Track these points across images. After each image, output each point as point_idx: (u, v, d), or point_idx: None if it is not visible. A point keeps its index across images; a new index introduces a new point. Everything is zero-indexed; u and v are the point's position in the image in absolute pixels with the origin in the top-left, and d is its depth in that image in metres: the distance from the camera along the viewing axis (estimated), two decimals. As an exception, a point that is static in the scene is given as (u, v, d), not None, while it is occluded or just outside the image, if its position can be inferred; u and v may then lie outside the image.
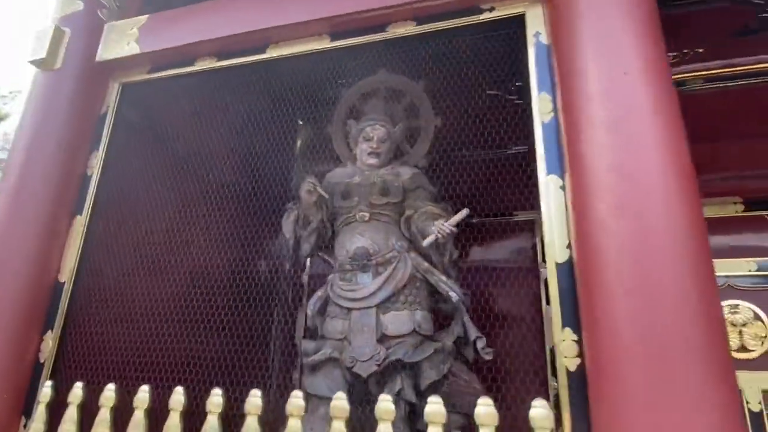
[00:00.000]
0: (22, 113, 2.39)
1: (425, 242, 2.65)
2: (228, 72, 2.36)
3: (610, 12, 1.67)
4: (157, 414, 1.73)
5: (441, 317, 2.81)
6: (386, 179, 2.99)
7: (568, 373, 1.51)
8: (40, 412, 1.90)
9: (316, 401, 2.60)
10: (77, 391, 1.86)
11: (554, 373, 1.55)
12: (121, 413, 1.76)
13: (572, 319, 1.55)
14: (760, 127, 3.46)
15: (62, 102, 2.38)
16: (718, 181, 3.72)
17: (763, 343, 3.36)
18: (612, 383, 1.35)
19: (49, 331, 2.11)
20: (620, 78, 1.54)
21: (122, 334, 2.27)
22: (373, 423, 2.45)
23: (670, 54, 2.50)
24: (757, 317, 3.41)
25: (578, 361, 1.51)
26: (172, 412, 1.71)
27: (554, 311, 1.57)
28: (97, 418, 1.79)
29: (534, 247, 3.88)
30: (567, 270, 1.59)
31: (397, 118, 3.24)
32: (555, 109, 1.78)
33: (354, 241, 2.82)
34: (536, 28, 1.93)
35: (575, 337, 1.54)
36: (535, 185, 1.76)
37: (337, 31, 2.21)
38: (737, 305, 3.47)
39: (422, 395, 2.49)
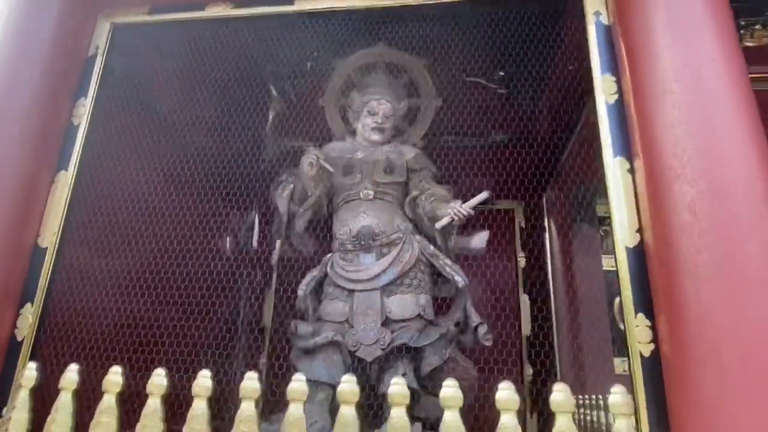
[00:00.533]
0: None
1: (439, 224, 2.55)
2: (245, 24, 2.10)
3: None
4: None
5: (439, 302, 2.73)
6: (390, 157, 2.85)
7: (642, 358, 1.48)
8: (22, 399, 1.59)
9: (313, 387, 2.42)
10: (71, 375, 1.58)
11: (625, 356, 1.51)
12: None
13: (645, 304, 1.51)
14: None
15: (41, 38, 2.01)
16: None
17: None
18: (702, 369, 1.32)
19: (28, 305, 1.78)
20: (706, 64, 1.51)
21: (110, 308, 1.97)
22: (377, 409, 2.36)
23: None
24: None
25: (652, 346, 1.48)
26: (150, 397, 1.51)
27: (625, 297, 1.53)
28: (101, 406, 1.53)
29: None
30: (638, 255, 1.55)
31: (400, 94, 3.10)
32: (619, 91, 1.74)
33: (358, 219, 2.66)
34: (596, 7, 1.87)
35: (648, 323, 1.50)
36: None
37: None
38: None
39: (423, 381, 2.42)
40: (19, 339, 1.74)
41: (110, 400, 1.54)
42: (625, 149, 1.67)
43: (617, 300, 3.75)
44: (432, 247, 2.67)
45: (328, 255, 2.72)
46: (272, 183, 3.01)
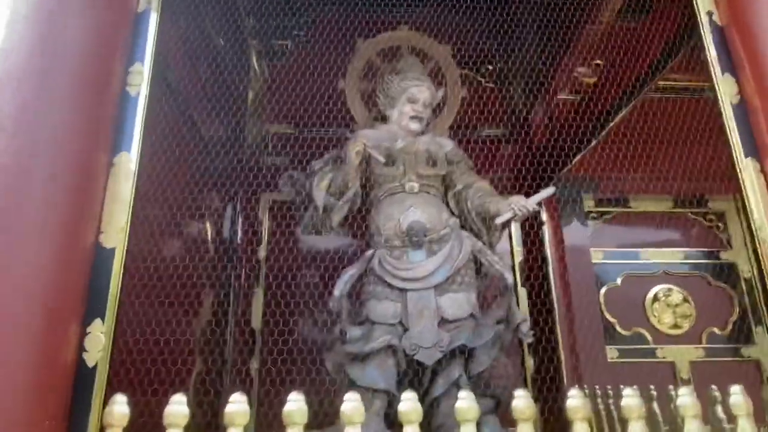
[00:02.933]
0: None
1: (500, 219, 2.44)
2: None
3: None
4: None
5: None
6: (430, 149, 2.69)
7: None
8: (114, 444, 1.22)
9: (368, 395, 2.24)
10: (119, 408, 1.20)
11: None
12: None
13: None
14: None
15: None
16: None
17: (689, 321, 3.88)
18: None
19: (98, 321, 1.39)
20: None
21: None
22: (427, 412, 2.22)
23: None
24: (685, 299, 3.92)
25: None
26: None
27: (775, 296, 1.53)
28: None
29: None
30: (781, 256, 1.56)
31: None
32: (741, 92, 1.74)
33: (408, 214, 2.47)
34: (707, 7, 1.86)
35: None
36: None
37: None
38: (671, 289, 3.95)
39: (472, 381, 2.33)
40: (91, 364, 1.34)
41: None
42: (755, 150, 1.67)
43: (603, 290, 3.94)
44: (479, 243, 2.56)
45: (369, 251, 2.50)
46: (283, 175, 2.73)
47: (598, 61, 3.46)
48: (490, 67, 4.25)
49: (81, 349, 1.35)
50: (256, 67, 3.94)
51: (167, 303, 2.11)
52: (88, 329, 1.37)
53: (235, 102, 3.62)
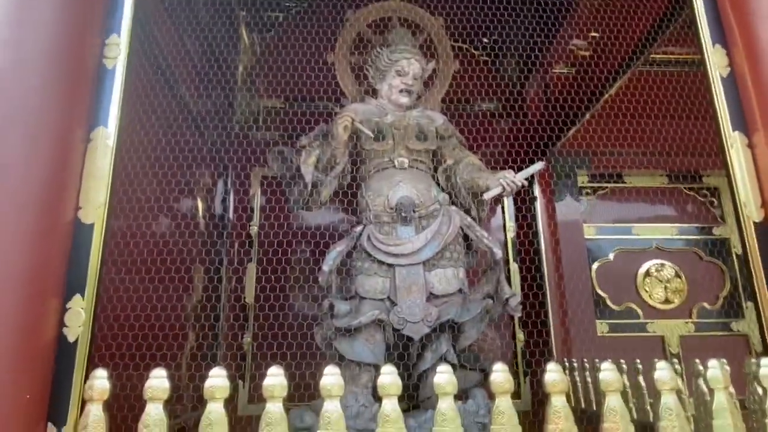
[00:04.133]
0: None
1: (488, 194, 2.43)
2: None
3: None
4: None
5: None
6: (420, 123, 2.66)
7: (778, 331, 1.49)
8: (95, 417, 1.24)
9: (356, 369, 2.27)
10: (100, 383, 1.23)
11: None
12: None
13: (777, 280, 1.52)
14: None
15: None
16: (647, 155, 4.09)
17: (680, 296, 3.90)
18: None
19: (78, 296, 1.39)
20: None
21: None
22: (416, 386, 2.25)
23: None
24: (677, 275, 3.93)
25: (787, 320, 1.51)
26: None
27: (757, 272, 1.53)
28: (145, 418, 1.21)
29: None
30: (765, 229, 1.56)
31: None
32: (731, 63, 1.71)
33: (397, 189, 2.46)
34: (700, -24, 1.81)
35: (783, 299, 1.52)
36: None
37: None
38: (663, 264, 3.96)
39: (459, 355, 2.36)
40: (71, 339, 1.35)
41: (158, 411, 1.22)
42: (743, 123, 1.65)
43: (595, 265, 3.95)
44: (469, 219, 2.55)
45: (358, 227, 2.50)
46: (271, 151, 2.70)
47: (594, 34, 3.39)
48: (485, 40, 4.17)
49: (61, 324, 1.35)
50: (246, 40, 3.87)
51: (157, 278, 2.12)
52: (68, 305, 1.37)
53: (224, 75, 3.56)
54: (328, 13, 2.89)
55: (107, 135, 1.50)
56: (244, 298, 3.53)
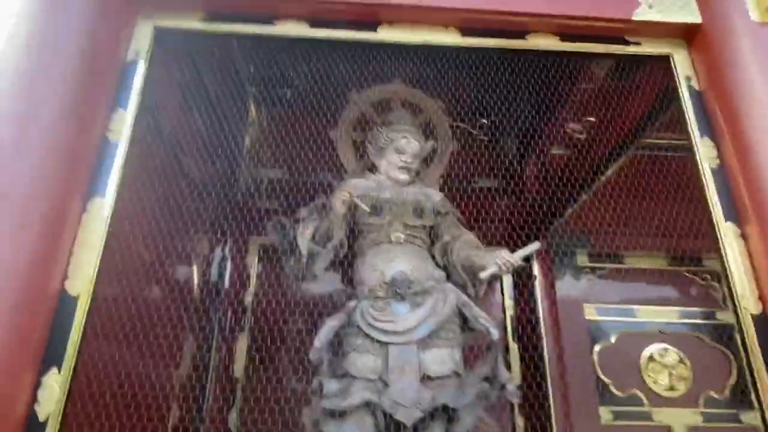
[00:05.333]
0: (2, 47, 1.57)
1: (484, 274, 2.40)
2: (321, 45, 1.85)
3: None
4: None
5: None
6: (418, 199, 2.69)
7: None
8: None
9: (345, 455, 2.15)
10: None
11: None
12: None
13: (778, 374, 1.47)
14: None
15: (68, 37, 1.62)
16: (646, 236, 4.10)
17: (686, 383, 3.76)
18: None
19: (54, 370, 1.35)
20: None
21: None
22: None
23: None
24: (681, 360, 3.82)
25: (791, 420, 1.44)
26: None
27: (758, 367, 1.48)
28: None
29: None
30: (764, 322, 1.52)
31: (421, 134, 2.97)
32: (720, 155, 1.75)
33: (392, 265, 2.44)
34: (686, 72, 1.89)
35: (783, 393, 1.46)
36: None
37: (467, 26, 1.90)
38: (666, 349, 3.85)
39: None
40: (42, 418, 1.29)
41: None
42: (734, 214, 1.66)
43: (597, 347, 3.85)
44: (464, 297, 2.52)
45: (353, 302, 2.46)
46: (271, 221, 2.73)
47: (590, 118, 3.50)
48: (485, 121, 4.30)
49: (33, 400, 1.31)
50: (254, 114, 4.01)
51: (144, 349, 2.06)
52: (43, 378, 1.33)
53: (230, 147, 3.67)
54: (333, 92, 3.01)
55: (103, 205, 1.52)
56: (233, 371, 3.43)
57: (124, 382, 1.67)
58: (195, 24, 1.81)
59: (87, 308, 1.40)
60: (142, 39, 1.76)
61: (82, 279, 1.42)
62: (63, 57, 1.59)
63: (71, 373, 1.34)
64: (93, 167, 1.57)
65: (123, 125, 1.63)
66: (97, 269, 1.45)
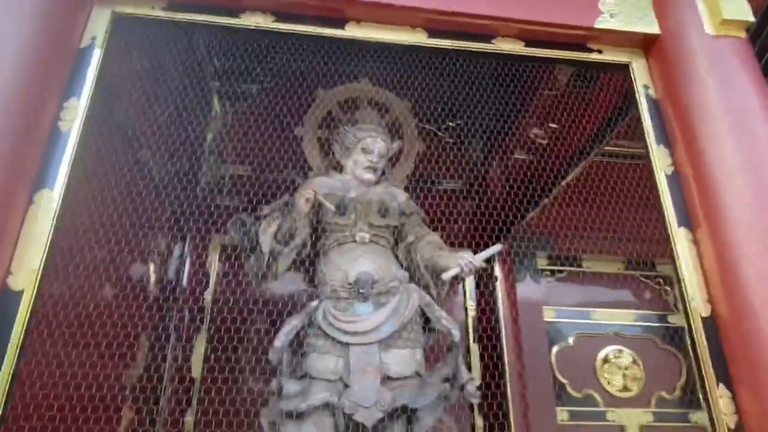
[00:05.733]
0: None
1: (446, 275, 2.41)
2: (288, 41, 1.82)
3: (732, 68, 1.76)
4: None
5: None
6: (384, 198, 2.68)
7: (729, 430, 1.48)
8: None
9: (304, 456, 2.13)
10: None
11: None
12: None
13: (725, 375, 1.53)
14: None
15: (17, 18, 1.54)
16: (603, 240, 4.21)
17: (639, 384, 3.89)
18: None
19: (-7, 371, 1.27)
20: (762, 136, 1.62)
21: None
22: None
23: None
24: (635, 362, 3.95)
25: (736, 417, 1.50)
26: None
27: (706, 368, 1.53)
28: None
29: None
30: (712, 324, 1.58)
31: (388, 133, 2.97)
32: (674, 163, 1.80)
33: (356, 265, 2.43)
34: (643, 80, 1.95)
35: (730, 394, 1.52)
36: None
37: (434, 27, 1.90)
38: (621, 350, 3.97)
39: None
40: (-21, 421, 1.22)
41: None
42: (687, 219, 1.72)
43: (554, 349, 3.93)
44: (428, 297, 2.53)
45: (314, 302, 2.43)
46: (232, 218, 2.67)
47: (552, 125, 3.57)
48: (452, 124, 4.34)
49: (-31, 404, 1.23)
50: (218, 109, 3.93)
51: (95, 350, 1.98)
52: (-19, 380, 1.25)
53: (192, 142, 3.57)
54: (299, 88, 2.98)
55: (51, 198, 1.45)
56: (190, 373, 3.35)
57: (71, 384, 1.59)
58: (157, 12, 1.75)
59: (31, 305, 1.32)
60: (98, 24, 1.68)
61: (26, 274, 1.34)
62: (11, 40, 1.51)
63: (11, 374, 1.26)
64: (42, 158, 1.49)
65: (75, 115, 1.56)
66: (43, 264, 1.37)
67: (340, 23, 1.83)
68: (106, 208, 1.88)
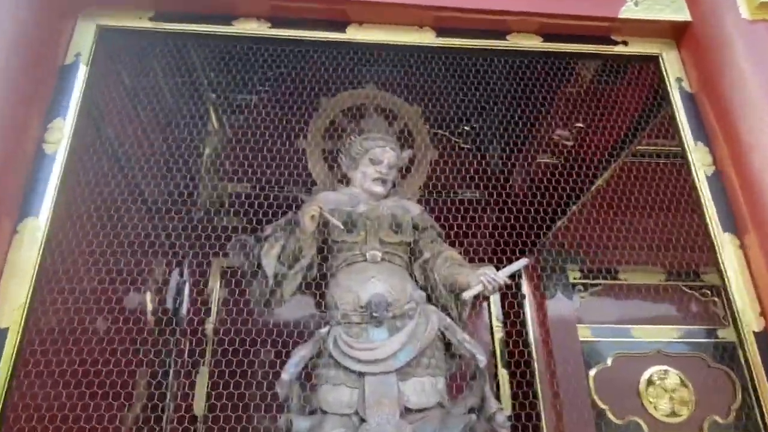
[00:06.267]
0: None
1: (468, 294, 2.38)
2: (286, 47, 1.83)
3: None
4: None
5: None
6: (395, 213, 2.67)
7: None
8: None
9: (317, 500, 2.11)
10: None
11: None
12: None
13: (784, 395, 1.49)
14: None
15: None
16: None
17: (689, 408, 3.80)
18: None
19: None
20: None
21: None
22: None
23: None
24: (683, 383, 3.86)
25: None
26: None
27: (762, 389, 1.49)
28: None
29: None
30: (767, 340, 1.54)
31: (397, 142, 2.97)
32: (715, 161, 1.78)
33: (367, 286, 2.41)
34: (675, 73, 1.93)
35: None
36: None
37: (443, 26, 1.91)
38: (667, 371, 3.89)
39: None
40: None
41: None
42: (732, 224, 1.69)
43: (592, 371, 3.87)
44: (448, 319, 2.50)
45: (324, 329, 2.42)
46: (232, 240, 2.68)
47: (579, 124, 3.55)
48: (467, 128, 4.33)
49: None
50: (215, 122, 3.97)
51: (86, 391, 1.98)
52: (-34, 425, 1.26)
53: (188, 159, 3.61)
54: (299, 97, 3.00)
55: (37, 227, 1.47)
56: (192, 411, 3.35)
57: (61, 428, 1.59)
58: (144, 23, 1.78)
59: (17, 342, 1.33)
60: (83, 39, 1.72)
61: (11, 309, 1.36)
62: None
63: (-2, 418, 1.27)
64: (26, 183, 1.51)
65: (61, 135, 1.58)
66: (29, 298, 1.38)
67: (342, 26, 1.85)
68: (96, 235, 1.90)
